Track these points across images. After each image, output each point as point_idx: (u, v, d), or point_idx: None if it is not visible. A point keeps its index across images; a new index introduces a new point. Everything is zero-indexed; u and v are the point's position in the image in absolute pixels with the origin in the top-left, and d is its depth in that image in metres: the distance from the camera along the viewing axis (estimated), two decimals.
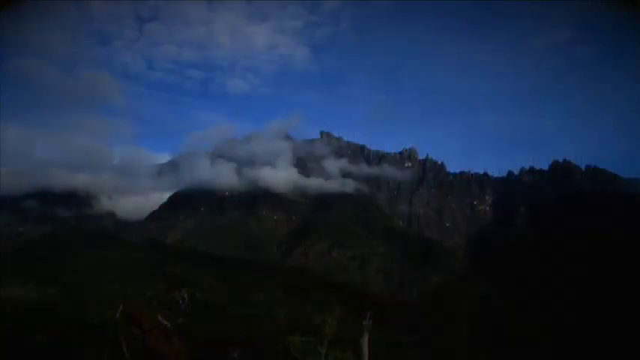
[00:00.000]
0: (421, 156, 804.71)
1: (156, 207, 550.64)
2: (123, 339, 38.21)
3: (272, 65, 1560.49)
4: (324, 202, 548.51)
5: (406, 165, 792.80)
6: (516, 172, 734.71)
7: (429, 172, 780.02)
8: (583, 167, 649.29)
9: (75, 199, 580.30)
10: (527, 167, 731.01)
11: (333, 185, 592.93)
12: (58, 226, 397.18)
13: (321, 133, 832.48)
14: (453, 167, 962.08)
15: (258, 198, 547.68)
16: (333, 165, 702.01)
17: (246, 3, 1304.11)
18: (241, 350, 39.39)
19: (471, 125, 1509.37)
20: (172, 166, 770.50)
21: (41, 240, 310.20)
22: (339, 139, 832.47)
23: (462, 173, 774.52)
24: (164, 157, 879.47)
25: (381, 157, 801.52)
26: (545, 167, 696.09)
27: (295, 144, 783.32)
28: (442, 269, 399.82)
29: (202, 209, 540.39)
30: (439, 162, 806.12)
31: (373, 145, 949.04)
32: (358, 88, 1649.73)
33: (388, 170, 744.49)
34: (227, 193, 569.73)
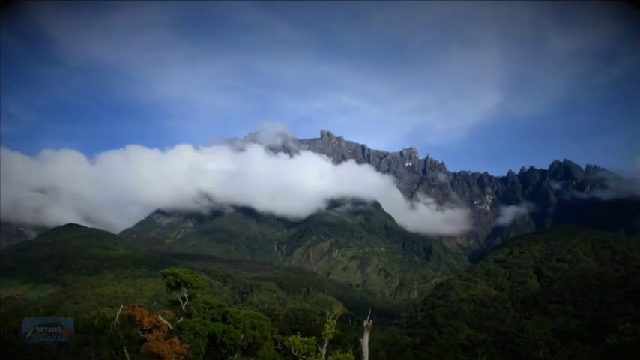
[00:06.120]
0: (421, 156, 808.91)
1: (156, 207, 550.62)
2: (123, 339, 38.17)
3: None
4: (324, 202, 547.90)
5: (406, 165, 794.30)
6: (516, 172, 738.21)
7: (429, 172, 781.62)
8: (583, 167, 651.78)
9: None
10: (527, 167, 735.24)
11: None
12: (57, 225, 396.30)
13: (322, 132, 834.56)
14: (452, 167, 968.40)
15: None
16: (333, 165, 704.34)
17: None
18: (242, 350, 39.35)
19: (472, 125, 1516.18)
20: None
21: (41, 240, 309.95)
22: (339, 139, 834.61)
23: (462, 173, 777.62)
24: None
25: (381, 157, 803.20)
26: (545, 167, 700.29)
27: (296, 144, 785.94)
28: (442, 269, 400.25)
29: (202, 209, 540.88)
30: (439, 162, 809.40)
31: (373, 145, 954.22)
32: (358, 87, 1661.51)
33: (388, 170, 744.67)
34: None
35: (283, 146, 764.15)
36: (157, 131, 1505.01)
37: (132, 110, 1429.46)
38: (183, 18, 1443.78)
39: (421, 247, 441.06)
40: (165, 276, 41.45)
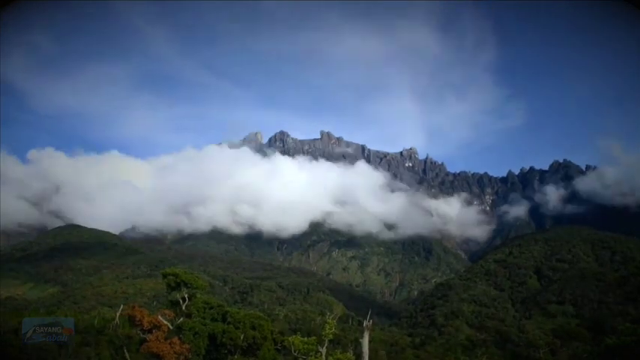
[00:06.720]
0: (421, 156, 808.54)
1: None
2: (123, 339, 38.20)
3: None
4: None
5: (406, 165, 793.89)
6: (516, 172, 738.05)
7: (429, 172, 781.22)
8: (583, 167, 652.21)
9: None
10: (527, 167, 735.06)
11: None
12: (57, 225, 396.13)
13: (322, 132, 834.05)
14: (453, 167, 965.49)
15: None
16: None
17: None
18: (242, 351, 39.35)
19: (472, 125, 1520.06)
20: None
21: (42, 240, 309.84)
22: (339, 139, 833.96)
23: (461, 173, 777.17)
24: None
25: (381, 158, 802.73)
26: (545, 167, 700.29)
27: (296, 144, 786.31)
28: (442, 269, 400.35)
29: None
30: (439, 162, 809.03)
31: (373, 145, 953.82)
32: (359, 87, 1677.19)
33: (388, 170, 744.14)
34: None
35: (283, 146, 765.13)
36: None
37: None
38: (141, 75, 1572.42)
39: (421, 247, 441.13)
40: (165, 276, 41.47)
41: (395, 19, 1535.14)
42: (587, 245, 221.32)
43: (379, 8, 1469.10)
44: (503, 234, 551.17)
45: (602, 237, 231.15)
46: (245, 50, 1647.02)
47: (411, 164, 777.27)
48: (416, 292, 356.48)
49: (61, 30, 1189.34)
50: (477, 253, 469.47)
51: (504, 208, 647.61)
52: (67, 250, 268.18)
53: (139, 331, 34.36)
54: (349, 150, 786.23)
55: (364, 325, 29.05)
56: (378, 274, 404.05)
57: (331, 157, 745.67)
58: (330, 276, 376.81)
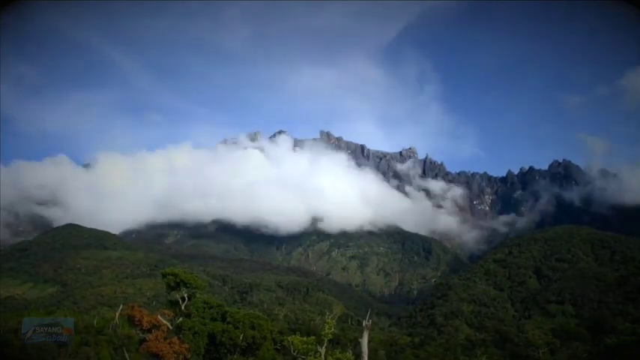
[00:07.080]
0: (421, 156, 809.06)
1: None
2: (123, 339, 38.21)
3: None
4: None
5: (406, 165, 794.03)
6: (516, 172, 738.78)
7: (429, 171, 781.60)
8: (583, 167, 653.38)
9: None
10: (526, 167, 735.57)
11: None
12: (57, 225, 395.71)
13: (321, 132, 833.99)
14: (453, 167, 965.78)
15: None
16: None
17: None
18: (241, 350, 39.39)
19: (472, 125, 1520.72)
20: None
21: (41, 240, 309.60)
22: (339, 138, 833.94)
23: (461, 173, 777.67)
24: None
25: (380, 157, 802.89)
26: (545, 167, 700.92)
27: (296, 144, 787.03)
28: (442, 269, 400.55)
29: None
30: (439, 162, 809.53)
31: (373, 145, 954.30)
32: (358, 87, 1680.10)
33: (388, 170, 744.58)
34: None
35: (283, 145, 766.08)
36: None
37: None
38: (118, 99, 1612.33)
39: (421, 247, 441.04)
40: (164, 276, 41.50)
41: (345, 56, 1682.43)
42: (586, 245, 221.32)
43: (330, 48, 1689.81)
44: (503, 234, 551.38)
45: (601, 237, 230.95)
46: (208, 82, 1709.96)
47: (410, 164, 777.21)
48: (415, 292, 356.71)
49: (45, 62, 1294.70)
50: (477, 253, 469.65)
51: (504, 207, 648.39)
52: (66, 250, 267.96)
53: (138, 331, 34.40)
54: (349, 150, 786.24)
55: (364, 324, 29.11)
56: (378, 274, 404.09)
57: (331, 157, 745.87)
58: (330, 276, 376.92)
